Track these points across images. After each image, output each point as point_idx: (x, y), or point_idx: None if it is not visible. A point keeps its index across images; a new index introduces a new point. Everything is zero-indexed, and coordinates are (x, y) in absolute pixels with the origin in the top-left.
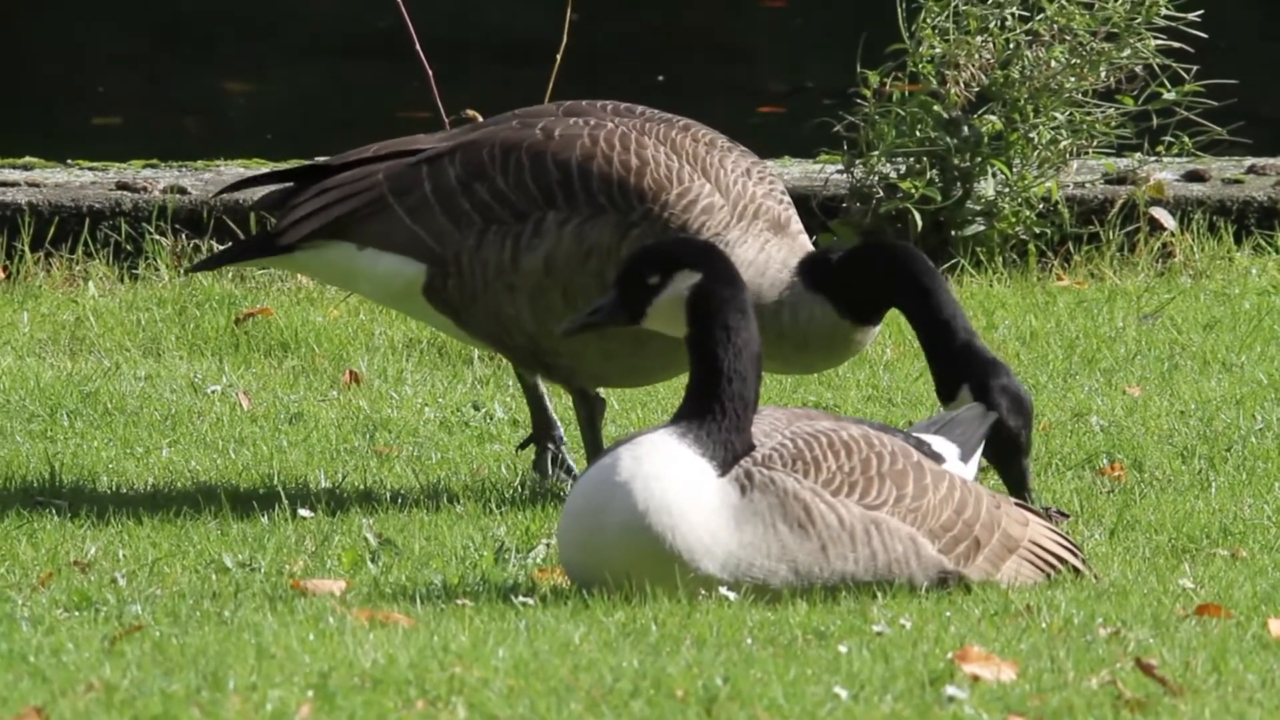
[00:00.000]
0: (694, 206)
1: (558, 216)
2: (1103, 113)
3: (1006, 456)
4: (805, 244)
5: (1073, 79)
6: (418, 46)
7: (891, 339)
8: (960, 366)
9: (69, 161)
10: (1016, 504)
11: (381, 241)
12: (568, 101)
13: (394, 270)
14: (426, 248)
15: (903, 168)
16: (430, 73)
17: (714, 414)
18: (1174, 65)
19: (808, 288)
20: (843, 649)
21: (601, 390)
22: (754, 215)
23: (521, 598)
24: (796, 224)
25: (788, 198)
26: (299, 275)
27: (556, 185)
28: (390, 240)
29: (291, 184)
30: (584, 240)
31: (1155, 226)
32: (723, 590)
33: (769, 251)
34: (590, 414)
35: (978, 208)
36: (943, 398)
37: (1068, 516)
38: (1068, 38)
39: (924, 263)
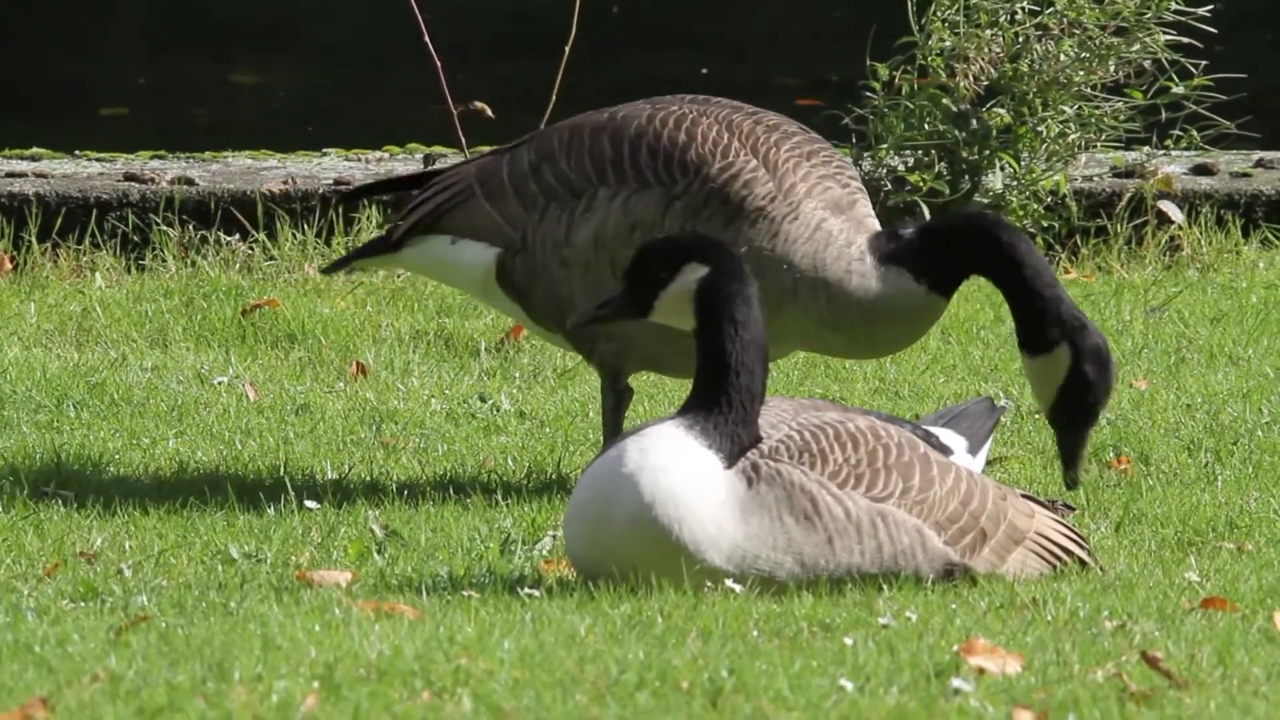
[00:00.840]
0: (735, 181)
1: (608, 192)
2: (1111, 106)
3: (1073, 421)
4: (873, 226)
5: (1081, 73)
6: (427, 39)
7: None
8: (1060, 327)
9: (76, 152)
10: (1023, 495)
11: (468, 231)
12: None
13: (475, 257)
14: (502, 232)
15: (911, 161)
16: (440, 64)
17: (721, 406)
18: (1182, 60)
19: (881, 260)
20: (848, 641)
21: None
22: (807, 194)
23: (527, 589)
24: (864, 208)
25: (857, 184)
26: (413, 274)
27: (609, 162)
28: (474, 228)
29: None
30: (630, 214)
31: (1163, 220)
32: (729, 582)
33: (827, 229)
34: (616, 403)
35: (986, 201)
36: (1033, 349)
37: (1074, 509)
38: (1077, 32)
39: (1019, 233)
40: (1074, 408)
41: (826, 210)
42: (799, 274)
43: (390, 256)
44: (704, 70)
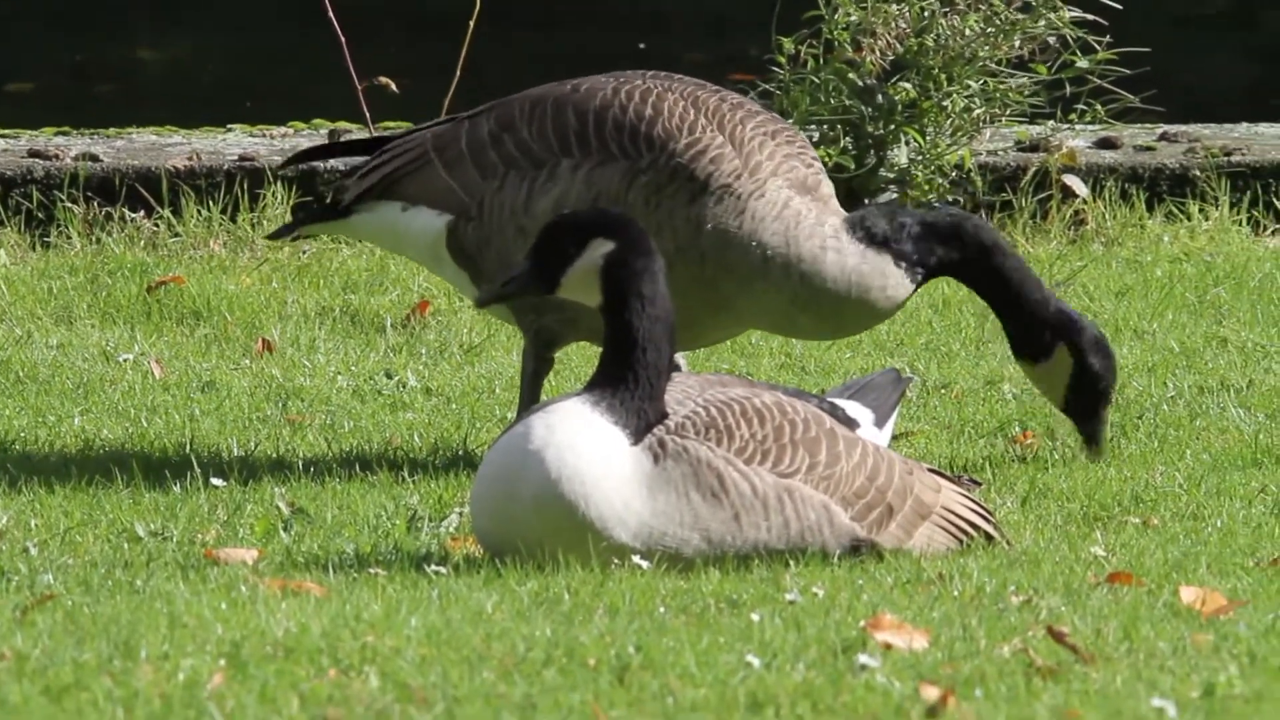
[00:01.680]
0: (702, 157)
1: (571, 163)
2: (1016, 82)
3: (1090, 411)
4: (837, 207)
5: (987, 48)
6: (331, 14)
7: None
8: (1053, 328)
9: None
10: (930, 470)
11: (420, 197)
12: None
13: (427, 224)
14: (457, 199)
15: (816, 135)
16: (344, 40)
17: (627, 382)
18: (1086, 36)
19: (863, 241)
20: (755, 617)
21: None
22: (772, 173)
23: (434, 567)
24: (827, 188)
25: (819, 164)
26: (358, 240)
27: (573, 133)
28: (427, 195)
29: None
30: (593, 186)
31: (1068, 194)
32: (636, 559)
33: (796, 208)
34: (538, 369)
35: (891, 175)
36: (1033, 356)
37: (980, 484)
38: (982, 7)
39: (1003, 240)
40: (1088, 399)
41: (792, 189)
42: (770, 251)
43: (339, 223)
44: (611, 46)
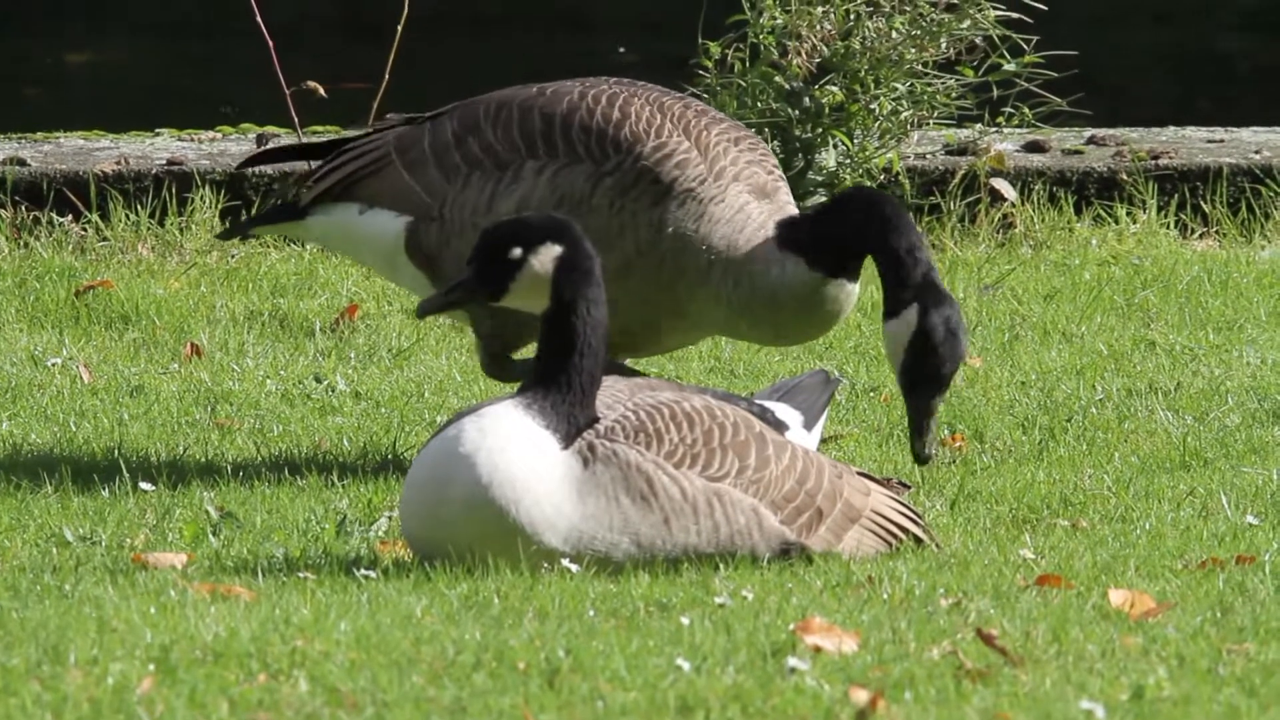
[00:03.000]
0: (668, 161)
1: (536, 164)
2: (943, 84)
3: (922, 388)
4: (790, 212)
5: (913, 50)
6: (259, 18)
7: None
8: (914, 290)
9: None
10: (859, 473)
11: (379, 199)
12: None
13: (385, 226)
14: (417, 201)
15: None
16: (271, 44)
17: (560, 386)
18: (1014, 36)
19: (779, 246)
20: (685, 621)
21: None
22: (734, 178)
23: (363, 571)
24: (785, 195)
25: (779, 171)
26: (313, 242)
27: (539, 135)
28: (387, 197)
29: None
30: (557, 187)
31: (996, 197)
32: (565, 563)
33: (748, 212)
34: (491, 362)
35: (819, 179)
36: (887, 315)
37: (909, 487)
38: (908, 8)
39: (894, 204)
40: (919, 372)
41: (750, 194)
42: (714, 256)
43: (293, 224)
44: (539, 48)
